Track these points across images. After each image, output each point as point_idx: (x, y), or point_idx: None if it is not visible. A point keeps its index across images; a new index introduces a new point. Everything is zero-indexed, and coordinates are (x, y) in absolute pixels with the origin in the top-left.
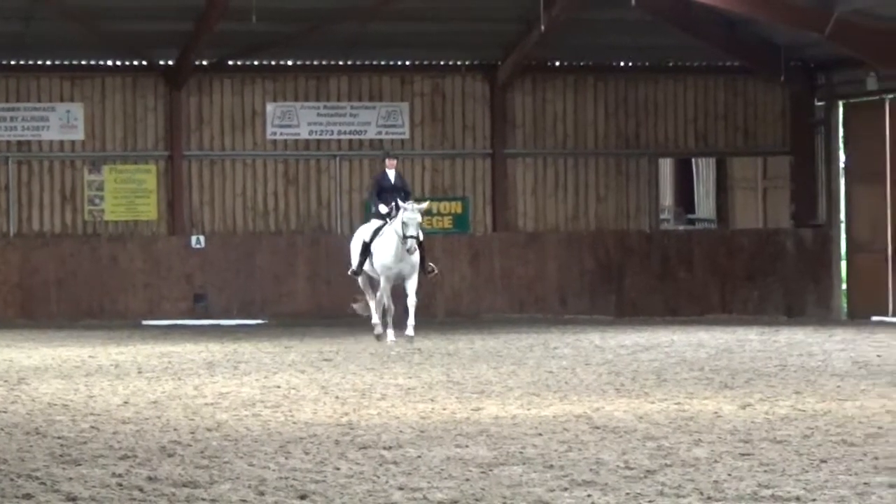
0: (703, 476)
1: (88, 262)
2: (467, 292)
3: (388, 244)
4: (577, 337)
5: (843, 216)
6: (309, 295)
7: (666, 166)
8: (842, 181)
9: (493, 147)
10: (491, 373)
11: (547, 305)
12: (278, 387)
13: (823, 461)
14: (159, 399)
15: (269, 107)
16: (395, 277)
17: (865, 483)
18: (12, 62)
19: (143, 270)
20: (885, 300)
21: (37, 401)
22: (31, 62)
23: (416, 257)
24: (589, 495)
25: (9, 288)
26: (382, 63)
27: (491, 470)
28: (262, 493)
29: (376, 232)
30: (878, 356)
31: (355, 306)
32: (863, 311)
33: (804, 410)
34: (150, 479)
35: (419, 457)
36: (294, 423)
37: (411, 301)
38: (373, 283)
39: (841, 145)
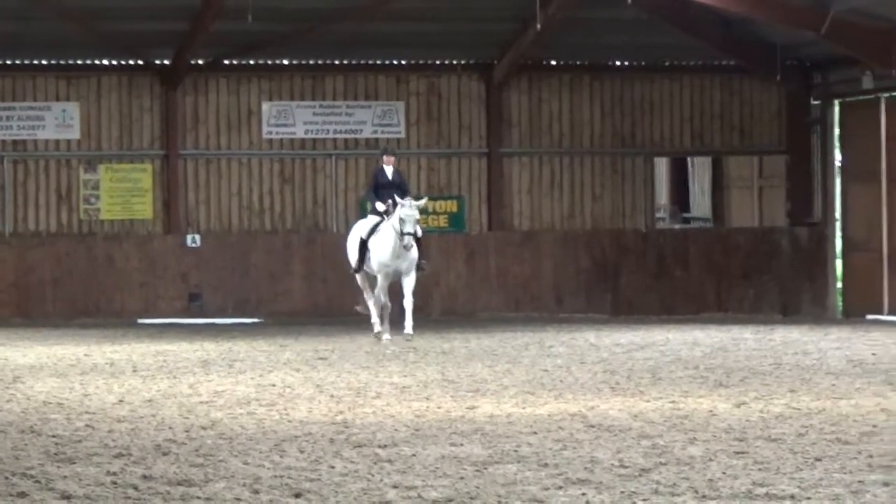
0: (698, 474)
1: (84, 260)
2: (463, 291)
3: (385, 241)
4: (573, 335)
5: (838, 215)
6: (304, 294)
7: (662, 165)
8: (837, 180)
9: (489, 146)
10: (486, 371)
11: (542, 304)
12: (273, 385)
13: (818, 459)
14: (154, 397)
15: (265, 106)
16: (393, 274)
17: (860, 481)
18: (8, 61)
19: (138, 269)
20: (880, 299)
21: (32, 399)
22: (26, 61)
23: (413, 253)
24: (583, 494)
25: (4, 287)
26: (378, 62)
27: (486, 468)
28: (256, 492)
29: (373, 229)
30: (873, 355)
31: (358, 308)
32: (858, 309)
33: (799, 409)
34: (144, 477)
35: (414, 455)
36: (289, 421)
37: (408, 302)
38: (371, 281)
39: (837, 144)
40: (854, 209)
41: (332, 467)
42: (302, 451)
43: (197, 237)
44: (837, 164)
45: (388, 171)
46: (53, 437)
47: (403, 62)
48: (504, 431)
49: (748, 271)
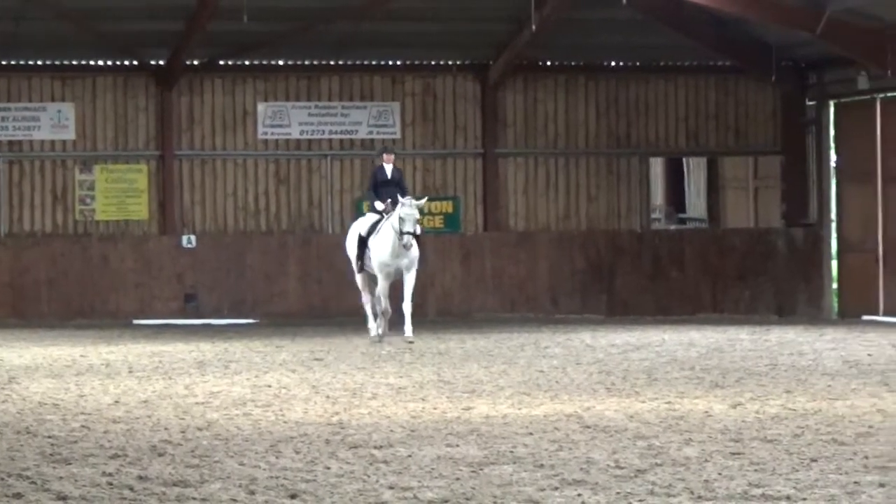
0: (694, 475)
1: (79, 261)
2: (458, 292)
3: (385, 241)
4: (568, 336)
5: (833, 216)
6: (300, 294)
7: (657, 166)
8: (833, 181)
9: (485, 147)
10: (482, 372)
11: (538, 305)
12: (269, 386)
13: (814, 460)
14: (150, 398)
15: (261, 106)
16: (395, 274)
17: (856, 482)
18: (3, 62)
19: (134, 270)
20: (875, 299)
21: (27, 400)
22: (21, 62)
23: (414, 252)
24: (579, 494)
25: (0, 287)
26: (373, 63)
27: (481, 469)
28: (252, 493)
29: (373, 227)
30: (869, 355)
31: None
32: (853, 310)
33: (795, 409)
34: (140, 478)
35: (410, 456)
36: (285, 422)
37: (407, 306)
38: (371, 282)
39: (832, 145)
40: (849, 210)
41: (328, 468)
42: (298, 452)
43: (192, 238)
44: (833, 164)
45: (388, 169)
46: (49, 437)
47: (399, 63)
48: (500, 432)
49: (744, 272)
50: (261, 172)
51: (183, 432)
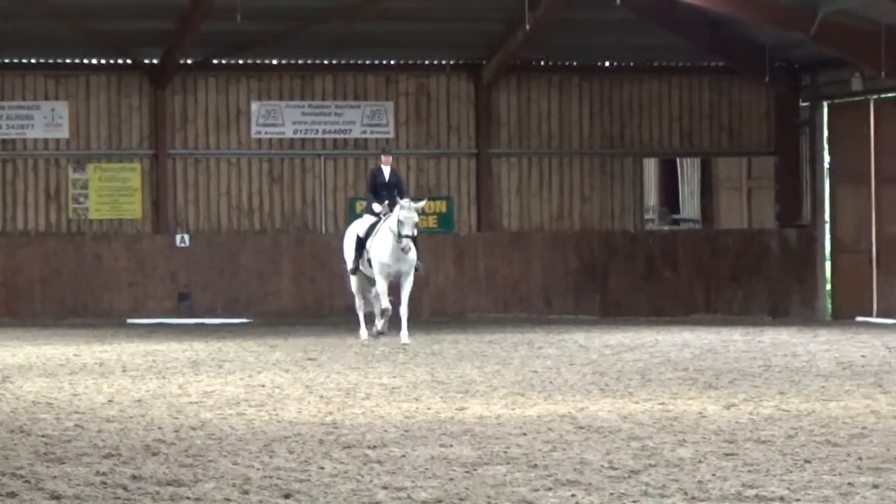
0: (688, 476)
1: (73, 260)
2: (452, 292)
3: (384, 242)
4: (562, 337)
5: (827, 216)
6: (293, 294)
7: (650, 166)
8: (826, 182)
9: (478, 146)
10: (475, 372)
11: (531, 305)
12: (263, 386)
13: (807, 461)
14: (143, 398)
15: (254, 106)
16: (394, 275)
17: (849, 483)
18: None
19: (127, 269)
20: (869, 301)
21: (21, 399)
22: (15, 60)
23: (412, 255)
24: (573, 495)
25: None
26: (367, 62)
27: (475, 469)
28: (246, 492)
29: (371, 229)
30: (863, 356)
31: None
32: (847, 311)
33: (788, 411)
34: (134, 477)
35: (403, 456)
36: (278, 422)
37: (404, 310)
38: (366, 285)
39: (825, 146)
40: (843, 211)
41: (322, 468)
42: (291, 452)
43: (186, 237)
44: (826, 165)
45: (386, 171)
46: (43, 436)
47: (392, 62)
48: (493, 433)
49: (737, 273)
50: (254, 171)
51: (177, 432)
